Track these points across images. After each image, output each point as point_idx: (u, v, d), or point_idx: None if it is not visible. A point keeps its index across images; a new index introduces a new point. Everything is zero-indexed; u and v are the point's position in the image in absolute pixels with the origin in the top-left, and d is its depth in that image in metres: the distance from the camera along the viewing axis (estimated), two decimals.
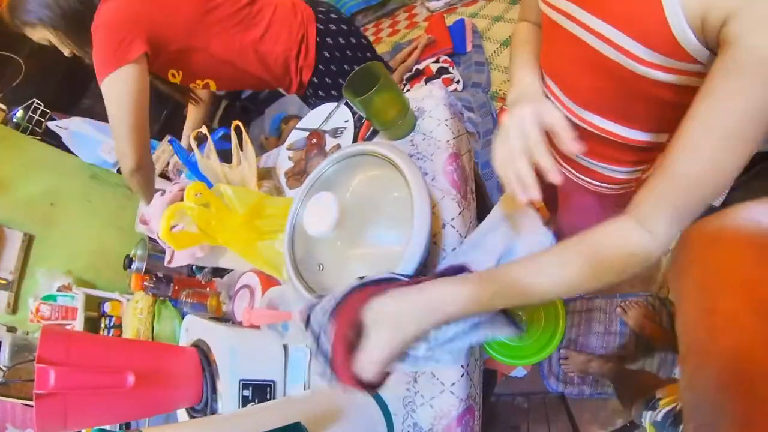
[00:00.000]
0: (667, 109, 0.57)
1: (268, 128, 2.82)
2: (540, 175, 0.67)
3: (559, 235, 1.40)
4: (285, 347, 0.89)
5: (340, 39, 1.26)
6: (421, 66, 2.35)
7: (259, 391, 0.86)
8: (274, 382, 0.88)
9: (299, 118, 2.33)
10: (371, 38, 3.26)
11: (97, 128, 1.72)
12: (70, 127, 1.71)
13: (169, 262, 0.93)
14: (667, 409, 0.80)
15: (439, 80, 1.91)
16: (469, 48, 2.41)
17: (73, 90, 2.03)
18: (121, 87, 1.04)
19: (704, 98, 0.44)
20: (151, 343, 1.10)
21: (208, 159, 1.00)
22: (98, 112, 1.94)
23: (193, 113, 1.46)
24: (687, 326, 0.24)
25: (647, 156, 0.70)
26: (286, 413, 0.66)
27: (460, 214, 0.82)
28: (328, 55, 1.25)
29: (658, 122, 0.62)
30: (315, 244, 0.77)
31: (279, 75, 1.25)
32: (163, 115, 2.74)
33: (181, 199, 0.90)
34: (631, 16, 0.48)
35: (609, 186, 0.78)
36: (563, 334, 1.41)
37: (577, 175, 0.81)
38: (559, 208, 1.23)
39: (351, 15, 3.36)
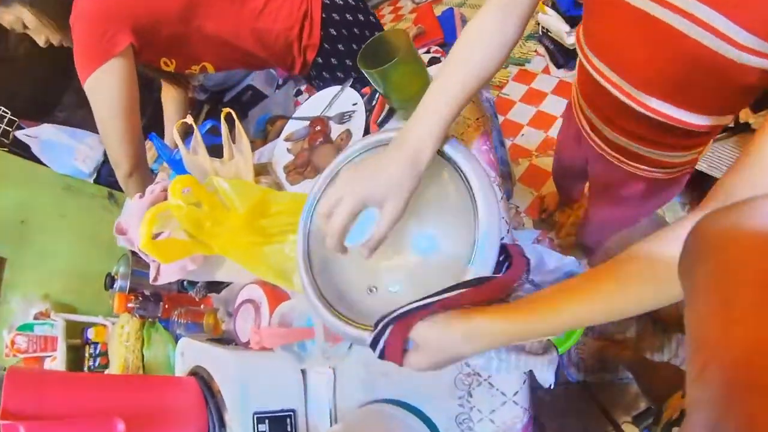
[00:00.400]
0: (740, 93, 0.54)
1: (253, 131, 2.66)
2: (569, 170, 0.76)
3: (586, 222, 1.32)
4: (303, 370, 0.73)
5: (348, 15, 1.10)
6: None
7: (277, 425, 0.70)
8: (294, 411, 0.71)
9: (286, 118, 2.17)
10: None
11: (70, 135, 1.54)
12: (41, 136, 1.53)
13: (155, 279, 0.76)
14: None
15: None
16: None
17: (45, 96, 1.83)
18: (107, 84, 0.91)
19: None
20: (141, 378, 0.93)
21: (195, 154, 0.83)
22: (74, 120, 1.76)
23: (171, 105, 1.29)
24: (699, 319, 0.23)
25: (704, 140, 0.67)
26: None
27: (501, 198, 0.68)
28: (334, 33, 1.09)
29: (725, 106, 0.58)
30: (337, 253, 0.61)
31: (280, 54, 1.10)
32: (142, 123, 2.56)
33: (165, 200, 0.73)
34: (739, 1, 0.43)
35: (663, 170, 0.75)
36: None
37: (628, 162, 0.76)
38: (591, 198, 1.14)
39: None
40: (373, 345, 0.50)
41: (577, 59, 0.70)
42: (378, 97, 0.86)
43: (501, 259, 0.52)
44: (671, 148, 0.68)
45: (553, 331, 0.46)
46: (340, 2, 1.10)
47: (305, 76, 1.21)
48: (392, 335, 0.49)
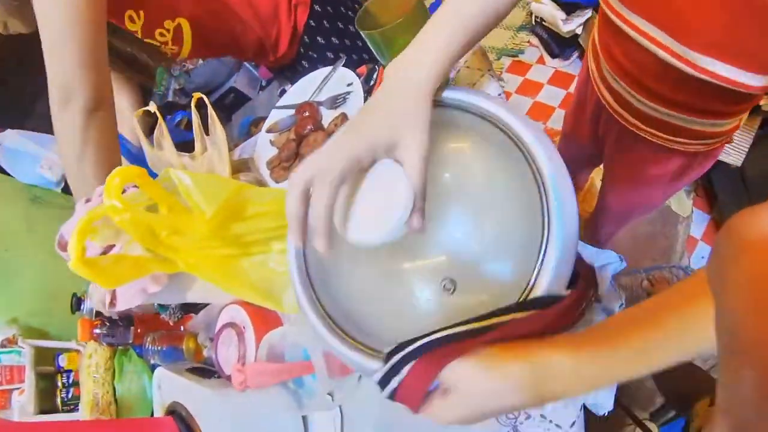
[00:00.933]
0: None
1: (237, 133, 2.52)
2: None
3: (598, 210, 1.21)
4: (304, 417, 0.57)
5: None
6: None
7: None
8: None
9: None
10: None
11: (35, 140, 1.36)
12: (4, 143, 1.35)
13: (111, 304, 0.59)
14: None
15: None
16: None
17: (9, 98, 1.66)
18: None
19: None
20: (109, 423, 0.76)
21: (159, 149, 0.66)
22: (44, 128, 1.58)
23: (125, 94, 1.04)
24: (733, 322, 0.21)
25: (753, 102, 0.61)
26: None
27: None
28: None
29: None
30: (342, 255, 0.43)
31: (266, 17, 0.92)
32: None
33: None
34: None
35: (703, 142, 0.67)
36: None
37: (664, 136, 0.67)
38: (607, 182, 1.03)
39: None
40: (384, 382, 0.36)
41: (592, 32, 0.64)
42: (378, 72, 0.70)
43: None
44: (717, 115, 0.61)
45: (643, 370, 0.34)
46: None
47: (293, 58, 1.04)
48: (414, 373, 0.35)
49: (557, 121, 1.84)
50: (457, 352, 0.34)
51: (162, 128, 0.64)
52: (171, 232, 0.44)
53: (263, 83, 2.96)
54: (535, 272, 0.33)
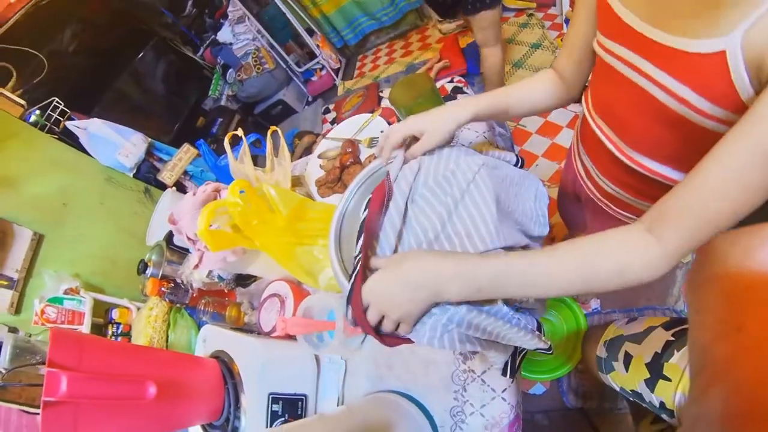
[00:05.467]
0: None
1: None
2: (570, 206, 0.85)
3: None
4: (317, 360, 0.84)
5: None
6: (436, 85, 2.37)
7: (289, 406, 0.81)
8: (305, 396, 0.82)
9: (313, 133, 2.32)
10: (384, 58, 3.29)
11: (117, 131, 1.68)
12: (89, 129, 1.68)
13: (197, 266, 0.88)
14: None
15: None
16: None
17: (94, 90, 2.00)
18: None
19: (747, 117, 0.43)
20: (170, 352, 1.04)
21: (241, 163, 0.96)
22: (110, 115, 1.93)
23: None
24: (706, 339, 0.22)
25: None
26: (332, 430, 0.60)
27: None
28: None
29: None
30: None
31: None
32: (175, 126, 2.74)
33: (215, 200, 0.86)
34: (698, 73, 0.50)
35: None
36: None
37: (617, 210, 0.83)
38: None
39: (364, 35, 3.41)
40: (347, 302, 0.56)
41: (581, 113, 0.81)
42: None
43: None
44: (657, 199, 0.78)
45: (496, 289, 0.51)
46: None
47: None
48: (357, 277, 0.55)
49: None
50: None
51: (245, 149, 0.94)
52: (259, 221, 0.73)
53: (309, 99, 3.33)
54: None
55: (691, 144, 0.58)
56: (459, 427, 0.70)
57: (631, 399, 0.87)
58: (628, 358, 0.85)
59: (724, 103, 0.49)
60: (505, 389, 0.70)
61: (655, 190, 0.70)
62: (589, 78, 0.76)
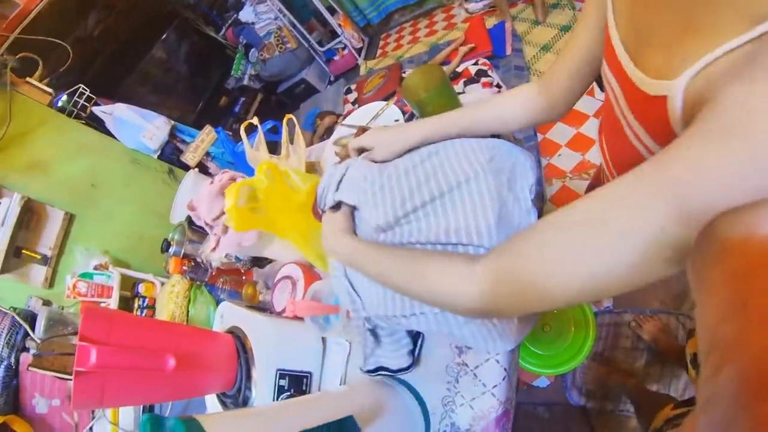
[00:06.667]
0: None
1: (303, 123, 2.89)
2: None
3: None
4: (323, 340, 0.90)
5: None
6: (459, 68, 2.35)
7: (295, 382, 0.87)
8: (310, 373, 0.89)
9: (334, 113, 2.35)
10: (408, 38, 3.27)
11: (141, 114, 1.76)
12: (114, 113, 1.76)
13: (214, 249, 0.95)
14: None
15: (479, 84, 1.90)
16: (508, 51, 2.39)
17: (119, 74, 2.08)
18: None
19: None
20: (189, 327, 1.13)
21: (256, 150, 1.02)
22: (133, 99, 2.01)
23: None
24: (713, 320, 0.23)
25: None
26: (329, 407, 0.66)
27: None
28: None
29: None
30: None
31: None
32: (198, 106, 2.82)
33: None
34: (647, 112, 0.47)
35: None
36: (592, 347, 1.40)
37: None
38: None
39: (387, 14, 3.38)
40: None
41: None
42: (415, 119, 1.02)
43: None
44: None
45: (366, 266, 0.62)
46: None
47: None
48: None
49: (595, 154, 1.99)
50: None
51: (261, 137, 1.00)
52: (282, 199, 0.78)
53: (331, 78, 3.35)
54: None
55: None
56: (449, 415, 0.74)
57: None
58: None
59: (664, 142, 0.46)
60: (496, 385, 0.72)
61: None
62: None
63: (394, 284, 0.57)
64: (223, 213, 0.89)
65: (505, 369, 0.73)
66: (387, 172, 0.73)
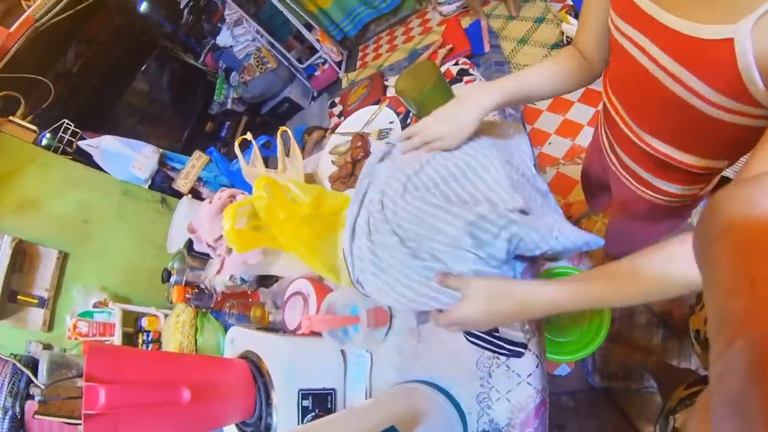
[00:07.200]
0: (727, 142, 0.59)
1: None
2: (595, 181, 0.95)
3: (608, 232, 1.41)
4: (343, 354, 0.87)
5: None
6: (441, 70, 2.35)
7: (319, 401, 0.83)
8: (334, 390, 0.85)
9: (321, 128, 2.33)
10: (386, 47, 3.27)
11: (128, 145, 1.73)
12: (101, 146, 1.72)
13: (219, 271, 0.91)
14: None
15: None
16: (486, 48, 2.42)
17: (102, 107, 2.04)
18: None
19: None
20: (200, 356, 1.08)
21: (253, 166, 0.98)
22: (120, 129, 1.97)
23: None
24: (721, 296, 0.23)
25: (703, 178, 0.73)
26: (368, 421, 0.62)
27: None
28: None
29: (717, 151, 0.64)
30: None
31: None
32: (184, 135, 2.78)
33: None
34: (704, 59, 0.49)
35: (663, 198, 0.81)
36: (608, 329, 1.38)
37: (636, 184, 0.84)
38: (612, 210, 1.24)
39: (363, 25, 3.39)
40: None
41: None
42: (412, 116, 0.99)
43: None
44: (672, 180, 0.76)
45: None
46: None
47: None
48: None
49: (585, 138, 1.99)
50: None
51: (256, 152, 0.96)
52: (285, 213, 0.74)
53: (314, 94, 3.34)
54: None
55: (696, 129, 0.59)
56: (485, 412, 0.72)
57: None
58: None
59: (729, 92, 0.49)
60: (530, 374, 0.71)
61: (666, 170, 0.72)
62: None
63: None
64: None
65: (537, 356, 0.71)
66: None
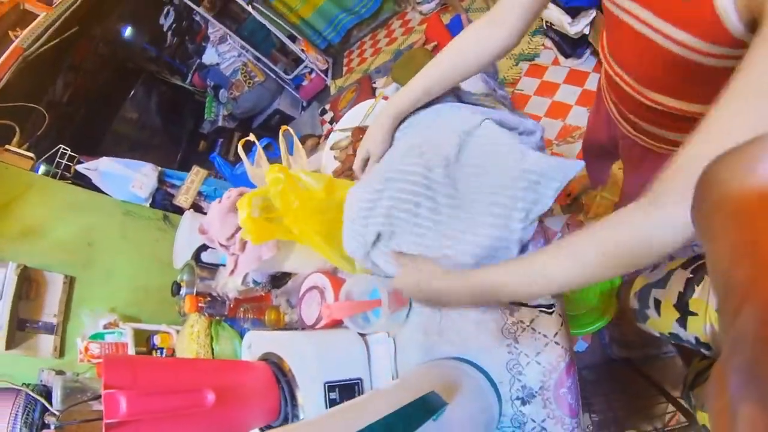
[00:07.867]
0: (716, 86, 0.62)
1: None
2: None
3: (626, 196, 1.40)
4: (365, 341, 0.86)
5: None
6: None
7: (346, 391, 0.82)
8: (360, 379, 0.83)
9: (315, 135, 2.33)
10: (370, 50, 3.30)
11: (126, 165, 1.72)
12: (99, 168, 1.72)
13: (232, 271, 0.90)
14: None
15: None
16: None
17: (96, 133, 2.04)
18: None
19: (740, 69, 0.44)
20: (218, 360, 1.06)
21: (258, 167, 0.98)
22: (116, 151, 1.97)
23: None
24: (723, 265, 0.23)
25: None
26: (388, 402, 0.61)
27: None
28: None
29: (710, 96, 0.66)
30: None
31: None
32: (178, 156, 2.78)
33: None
34: (686, 14, 0.54)
35: (677, 149, 0.83)
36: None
37: (648, 141, 0.86)
38: (626, 175, 1.24)
39: (346, 31, 3.42)
40: None
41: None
42: None
43: None
44: (680, 130, 0.78)
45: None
46: None
47: None
48: None
49: (575, 117, 2.01)
50: None
51: (260, 153, 0.96)
52: (300, 201, 0.74)
53: (304, 104, 3.35)
54: None
55: (690, 78, 0.63)
56: (517, 379, 0.70)
57: (672, 342, 0.89)
58: (657, 304, 0.88)
59: (716, 39, 0.53)
60: (557, 333, 0.69)
61: (675, 121, 0.74)
62: (604, 24, 0.79)
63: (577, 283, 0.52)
64: (237, 230, 0.85)
65: (560, 314, 0.70)
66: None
